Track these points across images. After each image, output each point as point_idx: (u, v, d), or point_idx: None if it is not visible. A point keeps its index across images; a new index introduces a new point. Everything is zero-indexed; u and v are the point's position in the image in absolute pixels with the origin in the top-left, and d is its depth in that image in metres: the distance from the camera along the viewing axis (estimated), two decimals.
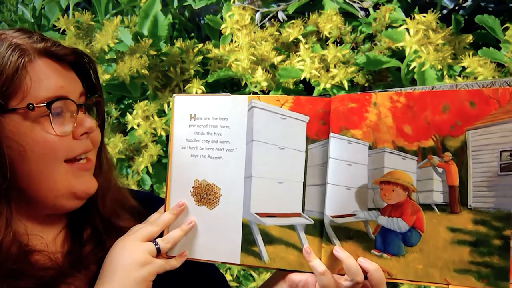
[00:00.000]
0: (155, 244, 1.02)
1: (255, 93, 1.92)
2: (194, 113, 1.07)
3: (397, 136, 0.93)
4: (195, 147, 1.06)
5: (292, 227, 1.02)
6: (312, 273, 1.00)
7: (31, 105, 0.93)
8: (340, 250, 0.97)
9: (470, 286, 0.91)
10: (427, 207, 0.93)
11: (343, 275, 0.97)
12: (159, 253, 1.02)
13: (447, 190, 0.91)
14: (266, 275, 1.86)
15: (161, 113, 2.06)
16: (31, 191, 0.98)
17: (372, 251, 0.97)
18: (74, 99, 1.00)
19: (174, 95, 1.09)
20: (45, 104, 0.94)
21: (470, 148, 0.89)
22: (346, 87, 1.81)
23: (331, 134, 0.97)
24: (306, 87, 1.99)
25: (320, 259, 0.99)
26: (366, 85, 1.93)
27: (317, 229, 1.00)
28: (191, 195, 1.07)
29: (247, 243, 1.04)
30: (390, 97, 0.93)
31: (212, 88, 2.05)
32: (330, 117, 0.98)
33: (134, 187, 1.96)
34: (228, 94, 1.07)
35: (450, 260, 0.92)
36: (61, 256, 1.04)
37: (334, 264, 0.98)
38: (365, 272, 0.96)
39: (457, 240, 0.91)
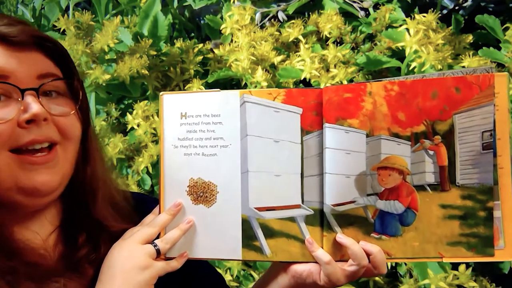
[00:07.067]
0: (154, 246, 1.04)
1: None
2: (184, 112, 1.09)
3: (392, 123, 1.02)
4: (188, 146, 1.09)
5: (292, 219, 1.06)
6: (315, 262, 1.05)
7: None
8: (343, 237, 1.03)
9: (461, 256, 1.03)
10: (420, 188, 1.03)
11: (345, 261, 1.03)
12: (158, 254, 1.04)
13: (437, 171, 1.02)
14: None
15: None
16: None
17: (372, 234, 1.04)
18: (24, 82, 0.95)
19: (161, 93, 1.11)
20: None
21: (457, 130, 1.00)
22: None
23: (326, 125, 1.03)
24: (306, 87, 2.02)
25: (322, 247, 1.05)
26: None
27: (317, 218, 1.05)
28: (187, 194, 1.09)
29: (248, 238, 1.08)
30: (384, 86, 1.02)
31: (212, 88, 2.03)
32: (323, 107, 1.03)
33: (134, 187, 2.00)
34: (218, 90, 1.10)
35: (443, 234, 1.02)
36: (54, 258, 1.04)
37: (336, 251, 1.04)
38: (367, 255, 1.03)
39: (448, 215, 1.02)
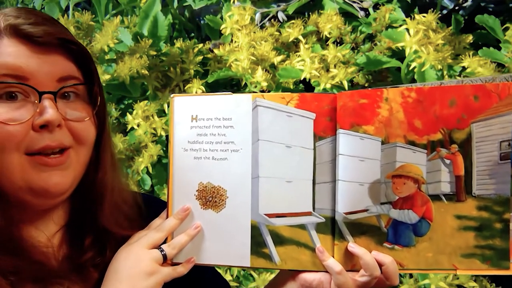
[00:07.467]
0: (161, 251, 1.03)
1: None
2: (195, 114, 1.07)
3: (408, 131, 0.99)
4: (198, 149, 1.07)
5: (303, 226, 1.04)
6: (325, 271, 1.03)
7: None
8: (355, 247, 1.01)
9: (476, 269, 1.01)
10: (435, 197, 1.01)
11: (357, 271, 1.01)
12: (165, 260, 1.03)
13: (453, 180, 1.00)
14: (266, 276, 1.88)
15: (161, 113, 2.09)
16: None
17: (384, 244, 1.02)
18: (45, 84, 0.94)
19: (172, 96, 1.09)
20: None
21: (474, 139, 0.98)
22: (346, 87, 1.85)
23: (341, 131, 1.00)
24: (306, 87, 2.02)
25: (333, 256, 1.02)
26: (366, 85, 1.97)
27: (329, 226, 1.03)
28: (196, 198, 1.07)
29: (257, 245, 1.05)
30: (401, 93, 0.99)
31: (212, 88, 2.08)
32: (338, 113, 1.01)
33: (134, 187, 1.96)
34: (230, 93, 1.07)
35: (457, 246, 1.00)
36: (58, 258, 1.02)
37: (347, 260, 1.02)
38: (379, 265, 1.00)
39: (463, 226, 1.00)
